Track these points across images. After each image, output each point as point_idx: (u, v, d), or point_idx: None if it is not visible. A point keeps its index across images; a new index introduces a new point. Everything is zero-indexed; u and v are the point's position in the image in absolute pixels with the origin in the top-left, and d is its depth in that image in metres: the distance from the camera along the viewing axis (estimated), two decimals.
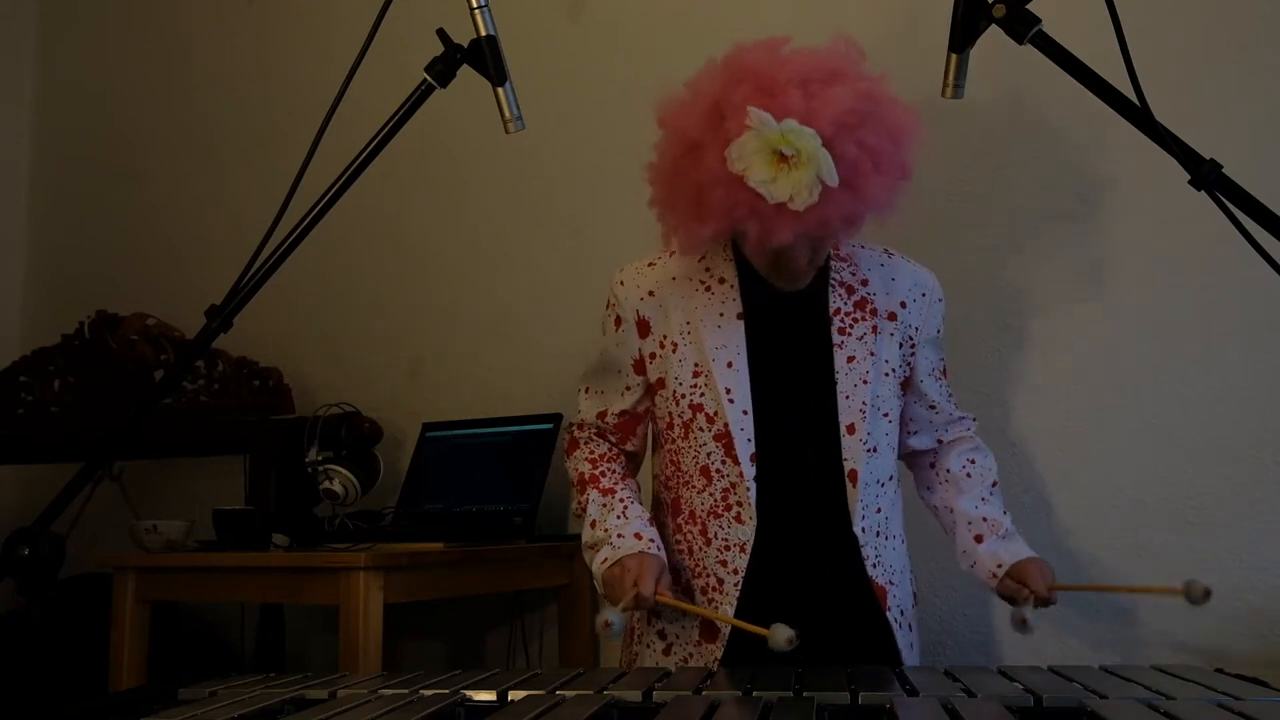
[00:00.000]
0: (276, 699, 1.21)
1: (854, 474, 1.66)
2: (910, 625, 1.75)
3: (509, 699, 1.19)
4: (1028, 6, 1.30)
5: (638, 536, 1.63)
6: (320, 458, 2.61)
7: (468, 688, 1.23)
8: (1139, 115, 1.26)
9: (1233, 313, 2.02)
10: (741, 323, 1.69)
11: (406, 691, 1.23)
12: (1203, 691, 1.17)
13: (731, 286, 1.71)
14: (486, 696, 1.19)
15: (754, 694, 1.18)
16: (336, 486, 2.57)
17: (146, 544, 2.55)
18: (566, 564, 2.50)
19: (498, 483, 2.57)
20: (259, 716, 1.16)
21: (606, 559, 1.62)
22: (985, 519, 1.76)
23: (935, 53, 1.41)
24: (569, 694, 1.18)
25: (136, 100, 3.50)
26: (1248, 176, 1.27)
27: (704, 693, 1.19)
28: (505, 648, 2.66)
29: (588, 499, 1.73)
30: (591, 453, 1.79)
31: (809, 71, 1.52)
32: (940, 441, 1.84)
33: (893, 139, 1.55)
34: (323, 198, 1.43)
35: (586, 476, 1.76)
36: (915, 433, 1.83)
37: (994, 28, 1.32)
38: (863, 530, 1.67)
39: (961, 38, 1.36)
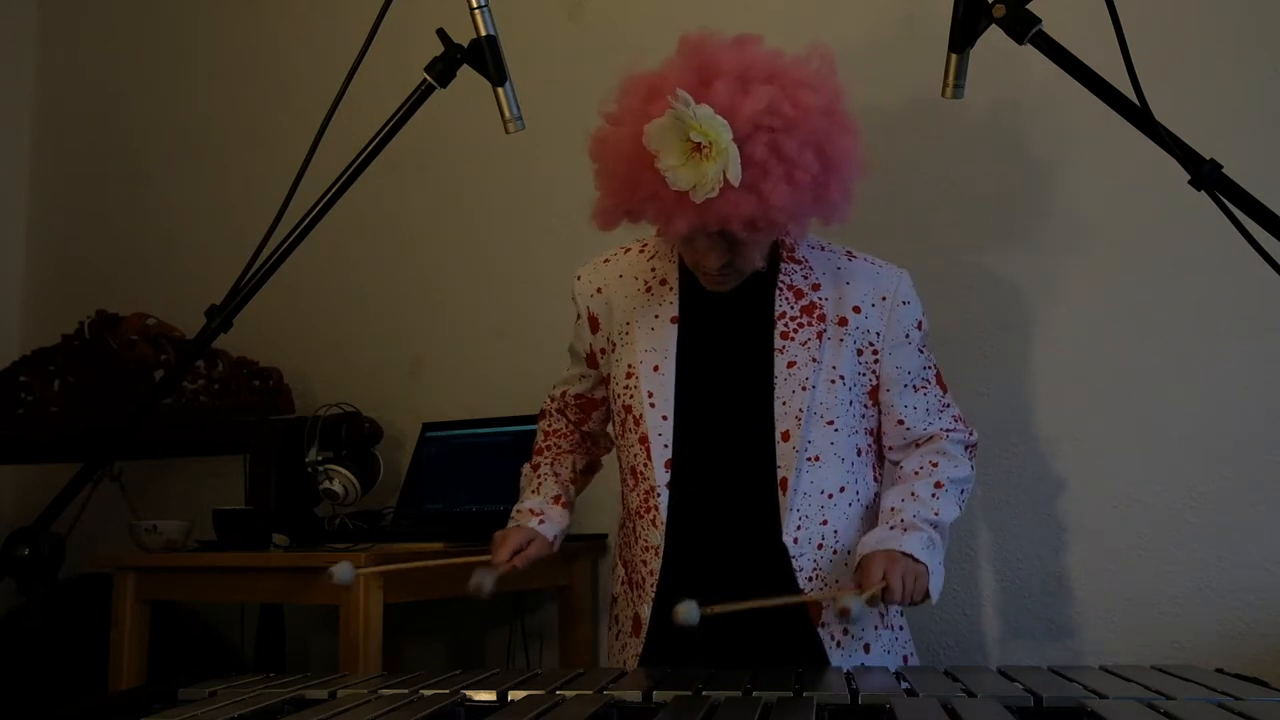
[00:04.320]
0: (276, 699, 1.21)
1: (785, 482, 1.62)
2: (869, 646, 1.65)
3: (509, 699, 1.19)
4: (1028, 6, 1.30)
5: (531, 512, 1.76)
6: (320, 458, 2.61)
7: (468, 688, 1.23)
8: (1139, 115, 1.26)
9: (1233, 312, 2.02)
10: (675, 326, 1.68)
11: (406, 691, 1.23)
12: (1203, 691, 1.17)
13: (671, 289, 1.71)
14: (486, 696, 1.19)
15: (754, 694, 1.18)
16: (336, 486, 2.57)
17: (146, 544, 2.55)
18: (566, 564, 2.50)
19: (498, 483, 2.56)
20: (259, 716, 1.16)
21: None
22: (894, 509, 1.62)
23: (935, 52, 1.41)
24: (569, 694, 1.19)
25: (137, 100, 3.50)
26: (1248, 177, 1.26)
27: (704, 693, 1.19)
28: (505, 648, 2.66)
29: (523, 470, 1.88)
30: (549, 425, 1.92)
31: (751, 68, 1.48)
32: (917, 446, 1.73)
33: (819, 155, 1.48)
34: (323, 198, 1.43)
35: (534, 448, 1.91)
36: (890, 448, 1.74)
37: (994, 27, 1.32)
38: (795, 540, 1.62)
39: (961, 38, 1.35)
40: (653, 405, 1.66)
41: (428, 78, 1.45)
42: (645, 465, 1.66)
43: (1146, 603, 2.03)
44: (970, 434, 1.74)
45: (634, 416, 1.68)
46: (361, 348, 2.99)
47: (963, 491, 1.71)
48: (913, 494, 1.64)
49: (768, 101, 1.44)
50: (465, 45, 1.47)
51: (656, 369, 1.67)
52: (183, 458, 3.12)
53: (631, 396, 1.69)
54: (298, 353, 3.01)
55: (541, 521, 1.74)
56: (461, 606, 2.71)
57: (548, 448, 1.88)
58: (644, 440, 1.66)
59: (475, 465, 2.63)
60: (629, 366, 1.70)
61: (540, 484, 1.82)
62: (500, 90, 1.49)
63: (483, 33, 1.47)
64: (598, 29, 2.72)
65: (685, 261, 1.67)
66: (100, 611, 2.46)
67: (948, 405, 1.73)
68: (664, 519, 1.64)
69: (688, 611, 1.41)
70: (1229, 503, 2.00)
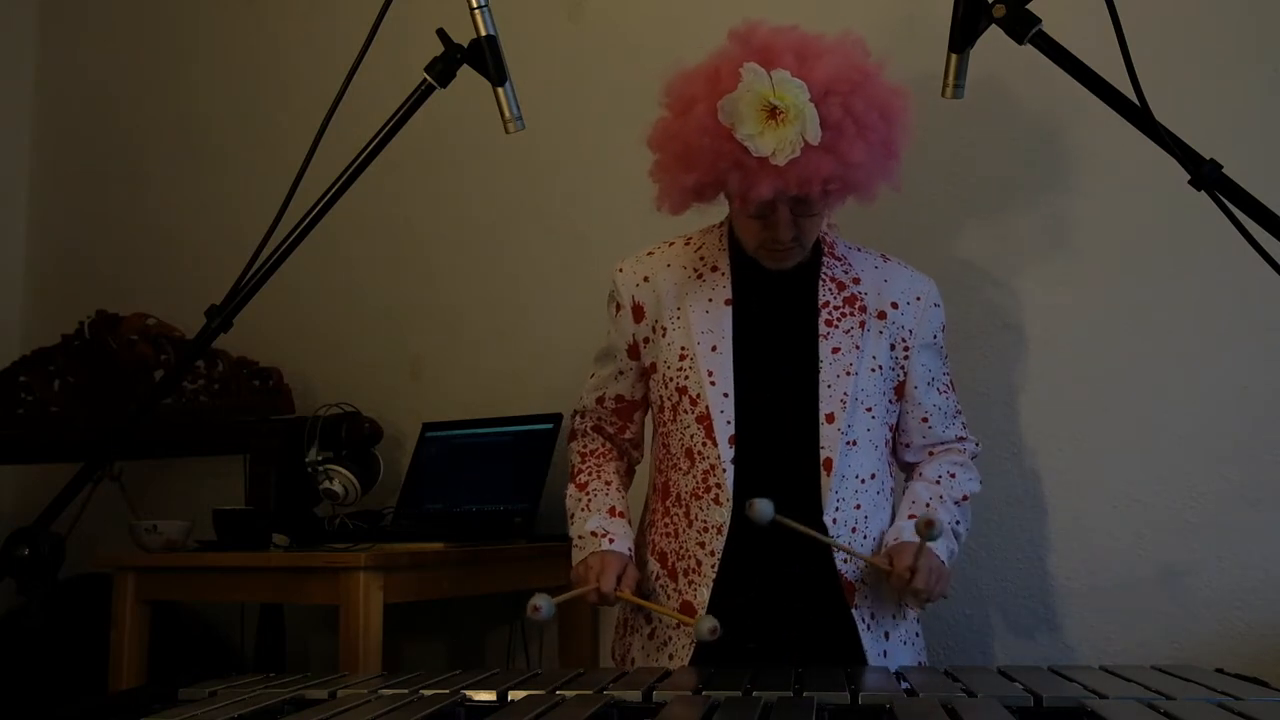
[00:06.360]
0: (276, 699, 1.21)
1: (829, 463, 1.67)
2: (888, 633, 1.72)
3: (509, 699, 1.19)
4: (1028, 6, 1.30)
5: (594, 535, 1.73)
6: (320, 458, 2.61)
7: (468, 688, 1.23)
8: (1139, 115, 1.26)
9: (1233, 312, 2.02)
10: (730, 308, 1.73)
11: (406, 691, 1.23)
12: (1203, 691, 1.17)
13: (723, 274, 1.75)
14: (486, 696, 1.19)
15: (754, 694, 1.18)
16: (336, 486, 2.57)
17: (146, 544, 2.55)
18: (566, 564, 2.49)
19: (498, 483, 2.56)
20: (259, 716, 1.16)
21: (575, 555, 1.75)
22: (928, 505, 1.73)
23: (935, 52, 1.41)
24: (569, 694, 1.19)
25: (137, 100, 3.50)
26: (1248, 177, 1.26)
27: (704, 693, 1.19)
28: (505, 648, 2.66)
29: (567, 493, 1.84)
30: (583, 447, 1.89)
31: (806, 46, 1.57)
32: (930, 454, 1.83)
33: (882, 114, 1.58)
34: (323, 198, 1.43)
35: (572, 470, 1.87)
36: (908, 445, 1.82)
37: (994, 27, 1.32)
38: (834, 521, 1.67)
39: (961, 38, 1.35)
40: (714, 384, 1.69)
41: (428, 78, 1.45)
42: (705, 444, 1.69)
43: (1146, 603, 2.03)
44: (977, 444, 1.86)
45: (690, 397, 1.71)
46: (361, 348, 3.00)
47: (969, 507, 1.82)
48: (941, 498, 1.76)
49: (836, 68, 1.54)
50: (465, 45, 1.47)
51: (714, 349, 1.71)
52: (183, 458, 3.12)
53: (687, 378, 1.71)
54: (298, 353, 3.01)
55: (611, 540, 1.71)
56: (461, 606, 2.71)
57: (586, 468, 1.85)
58: (703, 419, 1.69)
59: (475, 465, 2.63)
60: (682, 349, 1.73)
61: (590, 499, 1.79)
62: (500, 90, 1.49)
63: (483, 33, 1.47)
64: (598, 29, 2.72)
65: (747, 242, 1.72)
66: (100, 611, 2.47)
67: (959, 412, 1.85)
68: (729, 495, 1.67)
69: (763, 508, 1.53)
70: (1229, 503, 2.00)
